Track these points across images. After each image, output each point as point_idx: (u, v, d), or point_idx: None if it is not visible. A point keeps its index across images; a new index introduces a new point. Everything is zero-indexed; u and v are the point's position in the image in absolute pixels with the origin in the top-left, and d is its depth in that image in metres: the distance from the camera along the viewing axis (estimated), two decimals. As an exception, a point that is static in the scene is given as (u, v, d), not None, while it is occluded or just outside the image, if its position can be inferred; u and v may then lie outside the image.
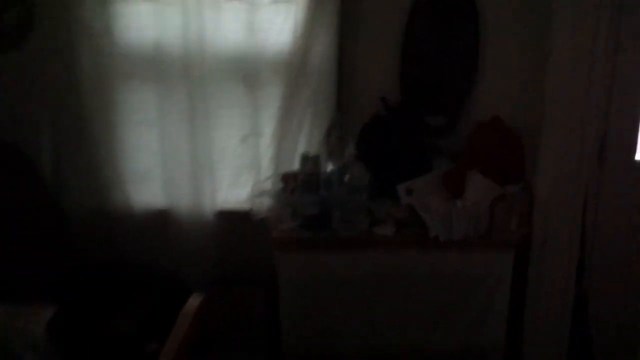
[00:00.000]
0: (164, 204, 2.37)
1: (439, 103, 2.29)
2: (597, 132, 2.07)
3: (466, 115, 2.30)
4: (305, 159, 2.07)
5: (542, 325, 2.21)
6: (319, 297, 2.07)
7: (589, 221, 2.15)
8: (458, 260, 2.05)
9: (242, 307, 2.33)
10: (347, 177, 2.05)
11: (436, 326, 2.12)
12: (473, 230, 2.00)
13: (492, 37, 2.24)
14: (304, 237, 2.05)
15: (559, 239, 2.11)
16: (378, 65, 2.27)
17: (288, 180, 2.22)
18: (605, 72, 2.02)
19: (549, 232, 2.09)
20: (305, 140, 2.29)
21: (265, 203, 2.24)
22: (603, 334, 2.31)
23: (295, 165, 2.23)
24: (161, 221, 2.38)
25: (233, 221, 2.39)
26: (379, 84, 2.27)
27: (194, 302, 1.99)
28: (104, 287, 2.04)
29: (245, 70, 2.27)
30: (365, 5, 2.23)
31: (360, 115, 2.26)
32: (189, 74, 2.24)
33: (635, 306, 2.30)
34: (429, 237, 2.01)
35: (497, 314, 2.12)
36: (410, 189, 2.11)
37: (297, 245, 2.05)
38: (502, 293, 2.09)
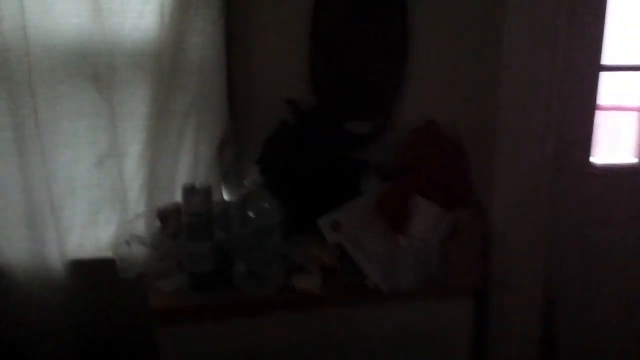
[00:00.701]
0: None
1: (362, 105, 1.77)
2: (557, 136, 1.69)
3: (396, 120, 1.80)
4: (189, 192, 1.46)
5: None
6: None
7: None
8: (406, 314, 1.56)
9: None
10: (250, 213, 1.48)
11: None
12: (423, 274, 1.52)
13: (424, 22, 1.75)
14: (195, 303, 1.47)
15: (522, 271, 1.71)
16: (282, 59, 1.72)
17: (167, 218, 1.61)
18: (564, 65, 1.64)
19: (509, 265, 1.69)
20: (188, 162, 1.69)
21: (137, 252, 1.61)
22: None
23: (176, 195, 1.63)
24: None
25: (93, 274, 1.74)
26: (284, 83, 1.72)
27: None
28: None
29: (94, 67, 1.62)
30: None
31: (262, 125, 1.70)
32: (9, 76, 1.55)
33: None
34: (368, 287, 1.51)
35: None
36: (336, 222, 1.59)
37: (185, 315, 1.46)
38: (462, 349, 1.63)
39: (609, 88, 1.82)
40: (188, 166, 1.69)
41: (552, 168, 1.69)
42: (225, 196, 1.73)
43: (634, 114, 1.96)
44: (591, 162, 1.83)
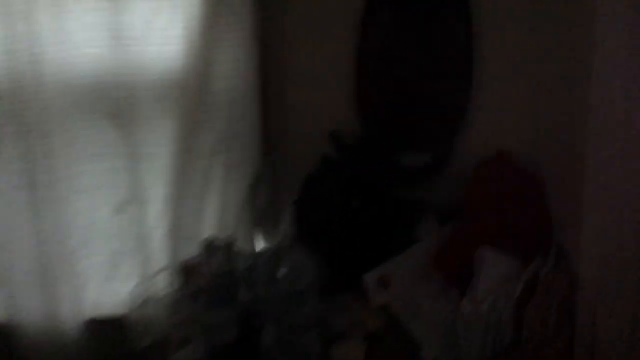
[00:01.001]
0: (1, 317, 1.58)
1: (418, 135, 1.54)
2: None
3: (459, 151, 1.55)
4: (208, 249, 1.25)
5: None
6: None
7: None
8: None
9: None
10: (281, 271, 1.25)
11: None
12: (492, 344, 1.24)
13: (492, 36, 1.49)
14: (217, 378, 1.25)
15: (617, 334, 1.38)
16: (322, 85, 1.52)
17: (190, 274, 1.40)
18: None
19: (602, 327, 1.37)
20: (216, 207, 1.50)
21: (153, 316, 1.41)
22: None
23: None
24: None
25: (111, 334, 1.58)
26: (326, 112, 1.53)
27: None
28: None
29: (113, 103, 1.47)
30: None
31: (301, 161, 1.49)
32: (19, 115, 1.42)
33: None
34: (423, 360, 1.24)
35: None
36: (384, 278, 1.34)
37: (206, 391, 1.25)
38: None
39: None
40: (215, 212, 1.50)
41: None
42: (259, 246, 1.51)
43: None
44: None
